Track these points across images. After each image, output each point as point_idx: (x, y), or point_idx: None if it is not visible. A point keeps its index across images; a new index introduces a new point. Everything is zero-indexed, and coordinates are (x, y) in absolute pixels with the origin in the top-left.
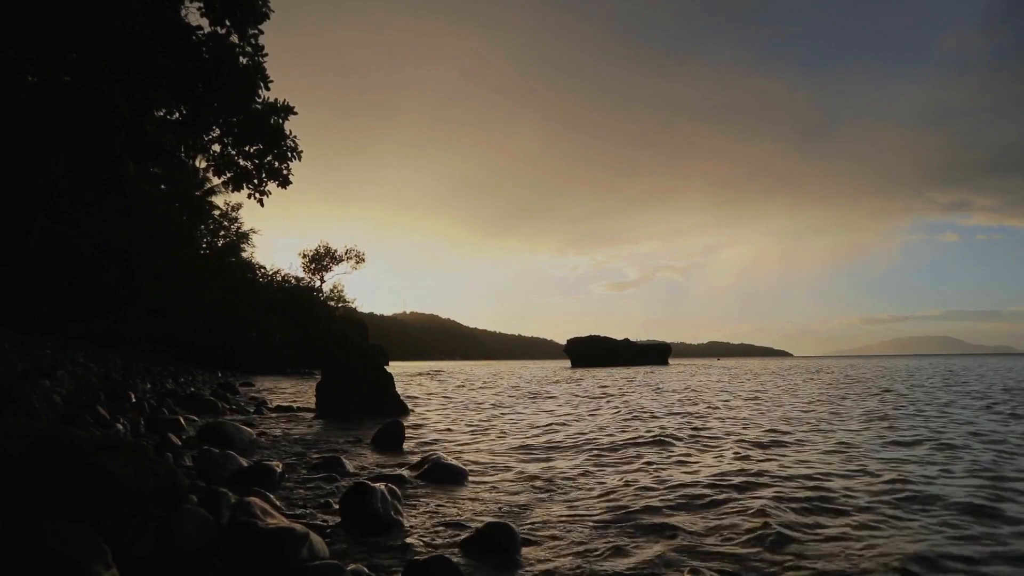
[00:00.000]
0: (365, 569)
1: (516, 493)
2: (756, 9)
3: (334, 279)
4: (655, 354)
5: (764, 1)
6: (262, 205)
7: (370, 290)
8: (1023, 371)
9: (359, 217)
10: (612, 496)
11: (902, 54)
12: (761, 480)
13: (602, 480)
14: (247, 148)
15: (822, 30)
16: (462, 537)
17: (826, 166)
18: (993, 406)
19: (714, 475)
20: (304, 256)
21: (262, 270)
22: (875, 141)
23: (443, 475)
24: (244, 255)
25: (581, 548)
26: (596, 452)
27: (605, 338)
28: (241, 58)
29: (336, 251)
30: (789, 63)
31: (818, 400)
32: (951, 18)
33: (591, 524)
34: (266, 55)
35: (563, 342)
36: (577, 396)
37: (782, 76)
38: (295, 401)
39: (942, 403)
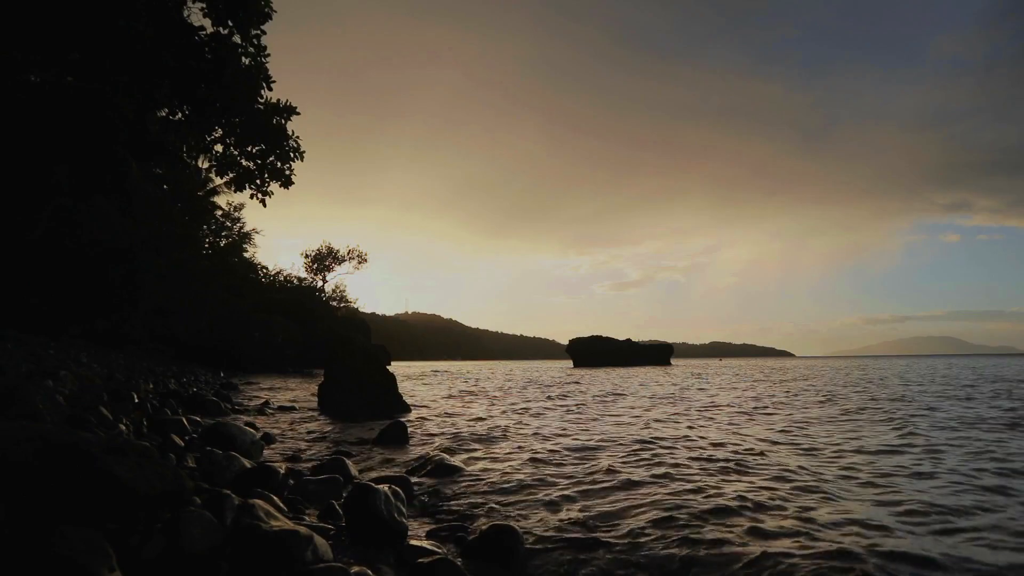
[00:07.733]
0: (369, 572)
1: (520, 494)
2: (755, 12)
3: (336, 279)
4: (657, 354)
5: (763, 4)
6: (264, 205)
7: (372, 290)
8: None
9: (361, 217)
10: (633, 496)
11: (899, 56)
12: None
13: (626, 482)
14: (249, 148)
15: (820, 32)
16: (466, 539)
17: (826, 167)
18: None
19: None
20: (306, 256)
21: (264, 270)
22: (874, 142)
23: (447, 476)
24: (246, 255)
25: (585, 548)
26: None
27: (607, 338)
28: (243, 58)
29: (338, 251)
30: (788, 65)
31: None
32: (947, 20)
33: (597, 525)
34: (268, 55)
35: (565, 342)
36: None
37: (781, 78)
38: (298, 401)
39: None
